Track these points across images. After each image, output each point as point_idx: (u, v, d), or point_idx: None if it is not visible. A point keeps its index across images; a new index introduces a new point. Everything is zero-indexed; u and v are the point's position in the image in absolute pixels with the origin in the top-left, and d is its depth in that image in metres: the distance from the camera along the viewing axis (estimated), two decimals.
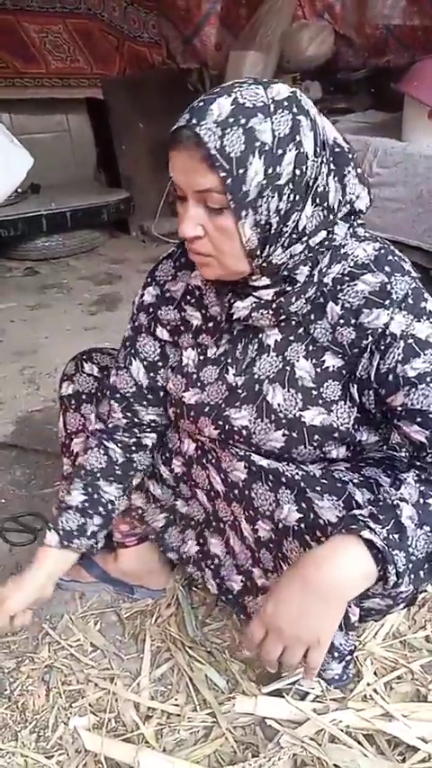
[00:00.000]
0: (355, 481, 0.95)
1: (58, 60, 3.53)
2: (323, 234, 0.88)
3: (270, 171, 0.79)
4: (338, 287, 0.90)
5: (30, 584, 1.08)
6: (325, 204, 0.86)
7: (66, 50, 3.54)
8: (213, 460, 1.08)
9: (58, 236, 3.59)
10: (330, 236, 0.88)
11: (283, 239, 0.84)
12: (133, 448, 1.15)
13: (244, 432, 0.99)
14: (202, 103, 0.79)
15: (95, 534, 1.12)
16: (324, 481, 0.96)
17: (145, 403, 1.11)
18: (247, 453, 1.02)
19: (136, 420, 1.13)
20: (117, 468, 1.14)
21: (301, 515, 0.96)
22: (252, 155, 0.78)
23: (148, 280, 1.09)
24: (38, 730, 1.12)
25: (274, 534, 1.01)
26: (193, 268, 1.01)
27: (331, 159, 0.86)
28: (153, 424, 1.14)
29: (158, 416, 1.14)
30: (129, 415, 1.12)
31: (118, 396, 1.12)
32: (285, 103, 0.80)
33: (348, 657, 1.04)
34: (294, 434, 0.95)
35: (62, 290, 3.29)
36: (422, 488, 0.86)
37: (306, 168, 0.81)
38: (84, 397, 1.22)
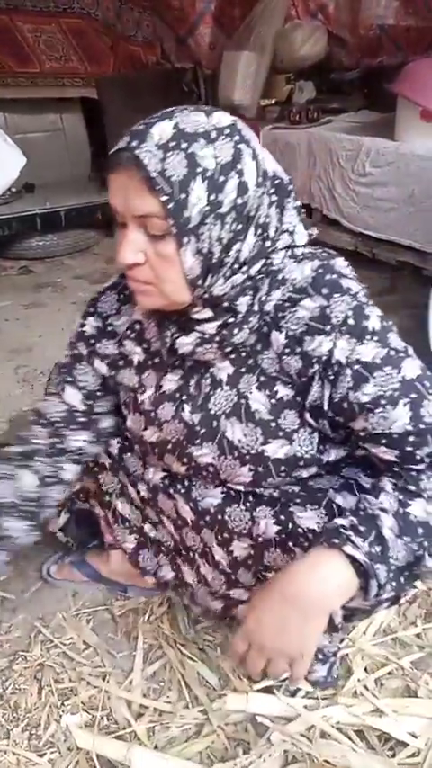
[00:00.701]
0: (336, 486, 0.95)
1: (52, 60, 3.52)
2: (261, 261, 0.86)
3: (212, 198, 0.77)
4: (280, 314, 0.88)
5: None
6: (265, 234, 0.85)
7: (60, 50, 3.53)
8: (182, 490, 1.05)
9: (53, 236, 3.59)
10: (268, 261, 0.86)
11: (224, 269, 0.82)
12: (49, 479, 1.08)
13: (210, 468, 0.98)
14: (142, 127, 0.78)
15: None
16: (303, 494, 0.96)
17: (74, 428, 1.07)
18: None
19: (60, 447, 1.07)
20: (15, 502, 1.05)
21: (280, 527, 0.96)
22: (194, 180, 0.76)
23: (90, 310, 1.06)
24: (30, 728, 1.12)
25: (253, 550, 1.00)
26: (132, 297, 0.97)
27: (272, 191, 0.85)
28: (79, 452, 1.10)
29: (87, 443, 1.09)
30: (52, 441, 1.07)
31: (43, 421, 1.07)
32: (227, 131, 0.78)
33: (333, 659, 1.05)
34: (260, 469, 0.94)
35: (57, 288, 3.29)
36: (401, 497, 0.85)
37: (248, 198, 0.79)
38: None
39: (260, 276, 0.86)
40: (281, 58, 3.62)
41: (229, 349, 0.90)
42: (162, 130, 0.76)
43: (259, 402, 0.92)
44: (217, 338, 0.88)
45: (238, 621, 1.09)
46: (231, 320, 0.87)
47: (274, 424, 0.92)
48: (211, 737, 1.09)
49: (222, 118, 0.80)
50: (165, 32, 3.79)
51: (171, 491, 1.06)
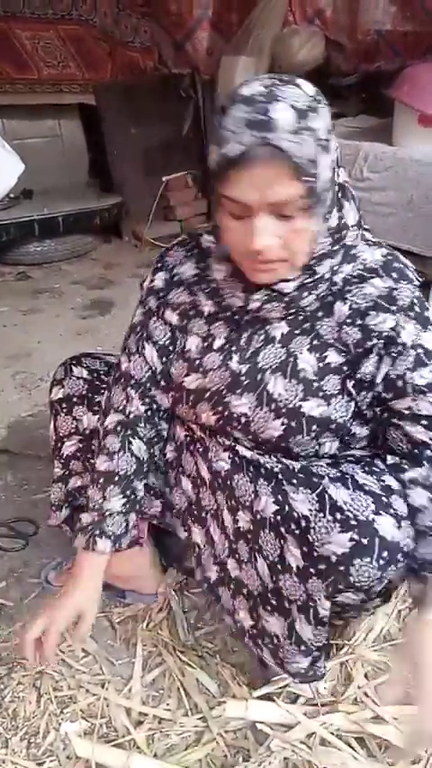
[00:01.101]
0: (332, 476, 0.96)
1: (50, 66, 3.52)
2: (336, 217, 0.92)
3: (329, 162, 0.85)
4: (347, 287, 0.95)
5: (81, 597, 1.05)
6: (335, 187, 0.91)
7: (58, 57, 3.53)
8: (201, 449, 1.10)
9: (51, 241, 3.59)
10: (344, 232, 0.93)
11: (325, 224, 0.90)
12: (155, 440, 1.16)
13: (243, 419, 1.01)
14: (261, 117, 0.79)
15: (132, 526, 1.12)
16: (301, 475, 0.98)
17: (163, 387, 1.11)
18: (233, 444, 1.03)
19: (155, 406, 1.13)
20: (144, 465, 1.13)
21: (278, 507, 0.98)
22: (320, 154, 0.82)
23: (159, 265, 1.10)
24: (28, 737, 1.12)
25: (252, 525, 1.03)
26: (205, 256, 1.04)
27: None
28: (167, 411, 1.15)
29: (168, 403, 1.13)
30: (147, 401, 1.12)
31: (133, 382, 1.11)
32: (318, 96, 0.84)
33: (317, 653, 1.04)
34: (293, 424, 0.98)
35: (54, 294, 3.29)
36: None
37: (338, 152, 0.88)
38: (75, 399, 1.22)
39: (337, 247, 0.93)
40: (279, 62, 3.63)
41: (292, 311, 0.96)
42: (284, 116, 0.79)
43: (307, 362, 0.97)
44: (286, 298, 0.94)
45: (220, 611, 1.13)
46: (308, 281, 0.93)
47: (316, 385, 0.97)
48: (210, 745, 1.08)
49: (305, 84, 0.85)
50: (162, 38, 3.79)
51: (192, 448, 1.11)
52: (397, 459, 0.99)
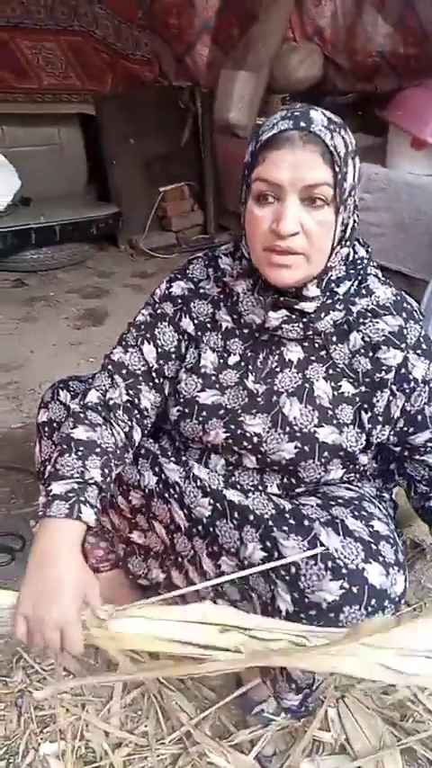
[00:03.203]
0: (322, 520, 0.98)
1: (50, 76, 3.56)
2: (350, 250, 0.99)
3: (356, 174, 0.93)
4: (361, 320, 1.01)
5: (79, 575, 0.92)
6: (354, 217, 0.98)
7: (59, 66, 3.57)
8: (176, 495, 1.08)
9: (48, 249, 3.62)
10: (359, 256, 1.01)
11: (343, 241, 0.95)
12: (127, 435, 1.08)
13: (255, 438, 1.03)
14: (298, 113, 0.89)
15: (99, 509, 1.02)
16: (291, 521, 0.99)
17: (151, 385, 1.10)
18: (217, 488, 1.05)
19: (136, 401, 1.10)
20: (120, 451, 1.06)
21: (266, 554, 0.98)
22: (349, 158, 0.90)
23: (178, 275, 1.12)
24: (8, 756, 1.14)
25: (239, 569, 1.03)
26: (224, 275, 1.07)
27: None
28: (145, 413, 1.11)
29: (151, 406, 1.11)
30: (132, 393, 1.10)
31: (124, 372, 1.10)
32: (344, 125, 0.92)
33: (307, 691, 1.07)
34: (306, 448, 1.01)
35: (49, 302, 3.31)
36: None
37: (358, 178, 0.95)
38: (55, 425, 1.22)
39: (353, 270, 1.00)
40: (277, 78, 3.67)
41: (309, 333, 1.00)
42: (319, 116, 0.89)
43: (323, 390, 1.02)
44: (305, 319, 0.98)
45: None
46: (328, 302, 0.98)
47: (330, 412, 1.01)
48: None
49: (330, 113, 0.93)
50: (163, 51, 3.82)
51: (166, 495, 1.09)
52: (424, 487, 1.08)
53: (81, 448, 1.01)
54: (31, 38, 3.44)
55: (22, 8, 3.37)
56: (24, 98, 3.52)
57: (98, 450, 1.02)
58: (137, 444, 1.12)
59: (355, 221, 0.97)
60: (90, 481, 0.97)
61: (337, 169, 0.88)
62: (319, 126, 0.87)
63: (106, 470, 1.01)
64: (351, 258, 1.00)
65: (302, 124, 0.87)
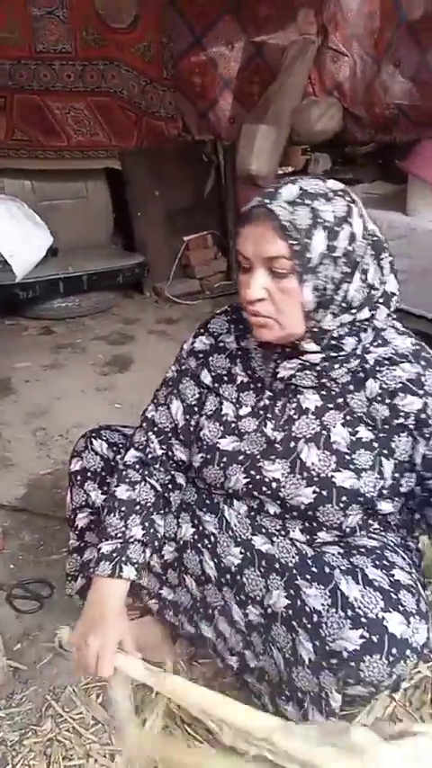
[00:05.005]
0: (343, 568, 1.00)
1: (79, 134, 3.70)
2: (367, 312, 1.01)
3: (329, 243, 0.93)
4: (378, 368, 1.03)
5: (119, 621, 1.10)
6: (367, 282, 0.99)
7: (87, 125, 3.71)
8: (209, 545, 1.12)
9: (75, 298, 3.70)
10: (373, 314, 1.02)
11: (333, 306, 0.97)
12: (169, 486, 1.21)
13: (274, 484, 1.06)
14: (272, 189, 0.95)
15: (146, 562, 1.15)
16: (314, 569, 1.00)
17: (181, 440, 1.18)
18: (248, 538, 1.06)
19: (170, 454, 1.19)
20: (160, 501, 1.18)
21: (289, 602, 1.00)
22: (316, 229, 0.92)
23: (201, 330, 1.19)
24: None
25: (264, 618, 1.05)
26: (246, 326, 1.11)
27: (370, 244, 0.99)
28: (181, 464, 1.20)
29: (186, 458, 1.19)
30: (165, 448, 1.19)
31: (156, 429, 1.19)
32: (340, 192, 0.96)
33: None
34: (324, 493, 1.03)
35: (76, 349, 3.38)
36: None
37: (355, 246, 0.95)
38: (89, 474, 1.27)
39: (365, 326, 1.02)
40: (297, 131, 3.79)
41: (324, 380, 1.04)
42: (289, 191, 0.94)
43: (340, 436, 1.04)
44: (317, 367, 1.02)
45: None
46: (335, 355, 1.01)
47: (348, 458, 1.03)
48: None
49: (335, 184, 0.98)
50: (186, 107, 3.97)
51: (199, 545, 1.13)
52: None
53: (123, 508, 1.14)
54: (62, 99, 3.60)
55: (52, 73, 3.54)
56: (54, 155, 3.67)
57: (137, 507, 1.14)
58: (183, 487, 1.21)
59: (362, 284, 0.99)
60: (131, 540, 1.11)
61: (294, 242, 0.91)
62: (281, 201, 0.92)
63: (146, 523, 1.14)
64: (368, 319, 1.02)
65: (266, 201, 0.93)
